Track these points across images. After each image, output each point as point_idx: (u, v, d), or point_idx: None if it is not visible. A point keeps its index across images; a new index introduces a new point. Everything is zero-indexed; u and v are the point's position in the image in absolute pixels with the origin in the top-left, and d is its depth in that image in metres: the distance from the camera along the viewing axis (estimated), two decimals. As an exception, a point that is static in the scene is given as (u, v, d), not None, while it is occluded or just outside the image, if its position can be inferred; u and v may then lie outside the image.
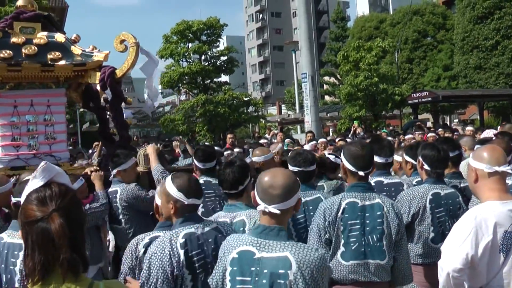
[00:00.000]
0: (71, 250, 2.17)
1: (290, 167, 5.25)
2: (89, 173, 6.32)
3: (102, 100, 7.83)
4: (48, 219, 2.17)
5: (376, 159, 5.43)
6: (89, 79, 7.22)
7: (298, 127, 43.64)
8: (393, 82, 35.09)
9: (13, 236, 3.99)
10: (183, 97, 55.25)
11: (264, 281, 2.94)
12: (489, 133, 9.38)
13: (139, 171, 6.63)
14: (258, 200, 3.10)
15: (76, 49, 7.14)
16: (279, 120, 44.04)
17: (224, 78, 46.33)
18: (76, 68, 7.04)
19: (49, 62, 6.81)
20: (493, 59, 40.51)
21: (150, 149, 6.63)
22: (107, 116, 8.06)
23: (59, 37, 7.17)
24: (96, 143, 19.35)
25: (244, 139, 31.62)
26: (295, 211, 3.23)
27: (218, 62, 38.92)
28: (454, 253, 3.31)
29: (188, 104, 35.67)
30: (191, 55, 37.77)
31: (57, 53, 6.85)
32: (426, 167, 5.07)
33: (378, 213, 4.26)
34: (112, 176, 6.37)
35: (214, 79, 39.31)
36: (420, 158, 5.15)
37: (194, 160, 6.47)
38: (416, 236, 4.96)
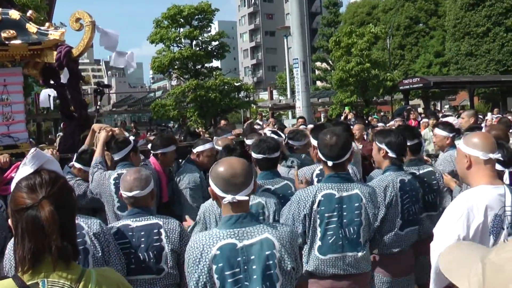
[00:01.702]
0: (62, 238, 2.16)
1: (254, 155, 5.16)
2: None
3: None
4: (38, 207, 2.15)
5: None
6: (46, 58, 7.06)
7: (290, 113, 43.64)
8: (384, 68, 35.12)
9: None
10: (174, 82, 55.08)
11: (254, 267, 2.99)
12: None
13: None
14: (221, 193, 3.05)
15: (31, 27, 6.94)
16: (270, 105, 43.99)
17: (215, 63, 46.11)
18: (32, 47, 6.86)
19: (4, 41, 6.62)
20: (484, 46, 40.68)
21: (101, 138, 6.12)
22: (66, 93, 7.88)
23: (13, 14, 6.94)
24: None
25: (235, 125, 31.58)
26: (252, 193, 3.22)
27: (209, 47, 38.64)
28: (446, 235, 3.37)
29: (179, 89, 35.45)
30: (182, 40, 37.48)
31: (12, 31, 6.64)
32: (391, 154, 4.95)
33: (356, 204, 4.23)
34: (71, 166, 6.15)
35: (205, 64, 39.07)
36: (383, 146, 5.02)
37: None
38: (386, 225, 4.84)
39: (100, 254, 3.69)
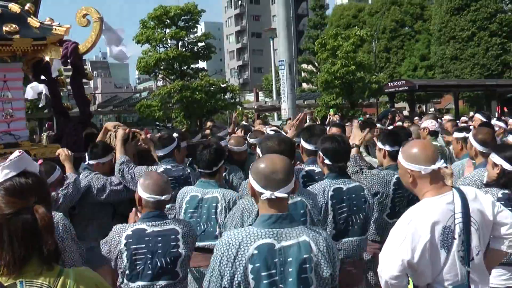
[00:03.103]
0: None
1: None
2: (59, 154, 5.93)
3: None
4: (29, 211, 2.11)
5: (307, 146, 5.35)
6: (49, 54, 6.93)
7: (275, 114, 43.66)
8: (370, 71, 35.22)
9: None
10: (160, 83, 54.95)
11: (290, 269, 2.91)
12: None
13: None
14: (260, 189, 2.99)
15: (33, 21, 6.77)
16: (256, 107, 44.00)
17: (201, 64, 46.06)
18: (36, 43, 6.68)
19: (6, 35, 6.41)
20: (469, 50, 41.09)
21: (118, 136, 6.09)
22: (59, 89, 7.79)
23: (13, 7, 6.73)
24: (49, 130, 18.83)
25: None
26: (293, 194, 3.20)
27: (196, 48, 38.59)
28: (389, 260, 3.29)
29: (165, 90, 35.31)
30: (168, 40, 37.35)
31: (14, 26, 6.41)
32: (327, 161, 4.74)
33: (301, 211, 4.19)
34: (86, 164, 6.01)
35: (191, 65, 38.98)
36: (320, 152, 4.83)
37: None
38: None
39: None
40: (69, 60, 6.70)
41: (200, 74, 38.47)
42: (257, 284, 2.89)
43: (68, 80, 8.36)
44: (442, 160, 3.37)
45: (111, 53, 7.98)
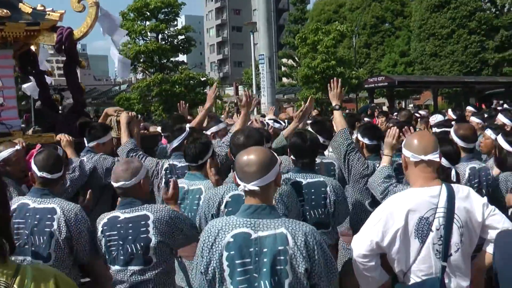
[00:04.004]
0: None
1: None
2: (60, 139, 5.87)
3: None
4: None
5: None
6: (43, 40, 6.74)
7: (255, 108, 43.53)
8: (350, 66, 35.32)
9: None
10: (139, 76, 54.69)
11: (265, 259, 2.93)
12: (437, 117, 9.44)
13: (113, 137, 6.23)
14: (238, 180, 3.08)
15: (25, 7, 6.57)
16: (235, 101, 43.88)
17: (181, 57, 45.91)
18: (29, 28, 6.42)
19: None
20: (448, 47, 41.45)
21: (122, 120, 6.01)
22: (46, 80, 7.57)
23: None
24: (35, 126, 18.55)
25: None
26: (277, 186, 3.22)
27: (175, 41, 38.46)
28: (360, 239, 3.42)
29: (144, 83, 35.19)
30: (148, 33, 37.23)
31: (5, 10, 6.20)
32: (292, 156, 4.83)
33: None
34: (88, 147, 5.93)
35: (171, 59, 38.84)
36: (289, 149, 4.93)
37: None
38: None
39: (63, 239, 3.98)
40: (63, 47, 6.51)
41: (180, 67, 38.36)
42: (231, 271, 2.95)
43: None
44: (437, 154, 3.44)
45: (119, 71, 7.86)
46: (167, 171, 5.52)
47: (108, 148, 5.93)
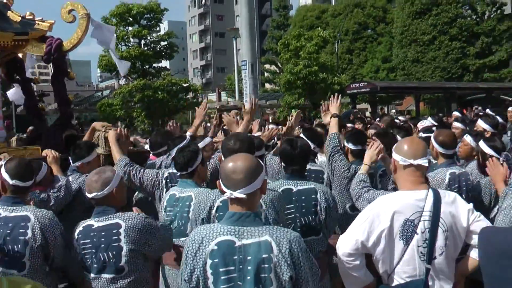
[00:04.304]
0: None
1: None
2: (47, 155, 5.76)
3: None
4: None
5: None
6: (31, 50, 6.61)
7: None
8: (332, 72, 35.40)
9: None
10: (122, 82, 54.51)
11: (249, 267, 2.92)
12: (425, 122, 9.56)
13: (99, 153, 6.12)
14: (223, 188, 3.06)
15: (14, 15, 6.46)
16: (218, 107, 43.83)
17: (164, 63, 45.74)
18: (18, 38, 6.36)
19: None
20: (430, 53, 41.81)
21: (111, 138, 5.87)
22: (34, 89, 7.48)
23: None
24: (31, 127, 18.33)
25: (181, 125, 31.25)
26: (263, 194, 3.21)
27: (158, 47, 38.33)
28: (346, 238, 3.50)
29: (126, 89, 34.97)
30: (131, 39, 37.02)
31: None
32: (282, 163, 4.90)
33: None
34: (73, 167, 5.82)
35: (154, 64, 38.70)
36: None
37: None
38: None
39: (38, 246, 3.97)
40: (52, 57, 6.43)
41: (163, 73, 38.20)
42: (215, 279, 2.95)
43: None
44: (426, 159, 3.51)
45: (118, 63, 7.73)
46: (168, 180, 5.47)
47: (94, 166, 5.62)
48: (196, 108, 7.26)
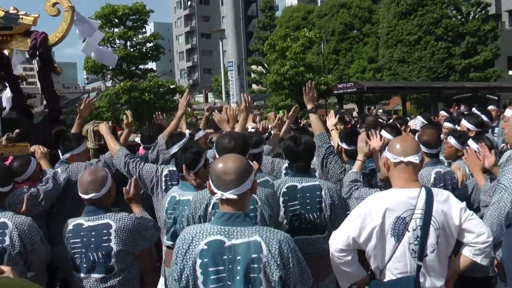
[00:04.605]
0: None
1: None
2: (35, 151, 5.65)
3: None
4: None
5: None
6: (16, 45, 6.52)
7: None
8: (319, 72, 35.47)
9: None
10: (108, 84, 54.34)
11: (238, 267, 2.93)
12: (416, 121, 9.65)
13: (89, 147, 6.06)
14: (214, 189, 3.05)
15: None
16: (205, 108, 43.81)
17: (151, 65, 45.66)
18: (1, 33, 6.28)
19: None
20: (416, 53, 42.00)
21: (104, 130, 5.70)
22: (20, 86, 7.37)
23: None
24: (17, 130, 18.18)
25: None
26: (253, 194, 3.20)
27: (144, 48, 38.27)
28: (338, 234, 3.53)
29: (113, 90, 34.87)
30: (116, 40, 36.96)
31: None
32: (287, 160, 4.92)
33: (251, 207, 4.13)
34: (62, 159, 5.71)
35: (140, 66, 38.64)
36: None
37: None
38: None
39: (16, 253, 3.88)
40: (37, 52, 6.33)
41: (149, 75, 38.13)
42: (205, 278, 2.95)
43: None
44: (417, 156, 3.53)
45: (95, 55, 7.60)
46: (167, 178, 5.37)
47: (83, 158, 5.71)
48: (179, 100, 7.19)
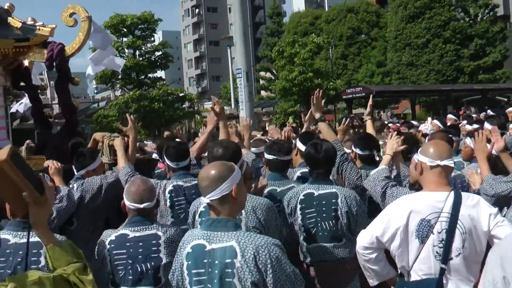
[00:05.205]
0: None
1: (265, 155, 5.29)
2: (49, 166, 5.44)
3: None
4: None
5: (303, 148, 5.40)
6: (33, 56, 6.42)
7: (234, 122, 43.51)
8: (327, 78, 35.44)
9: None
10: (118, 93, 54.53)
11: (216, 271, 3.03)
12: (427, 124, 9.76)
13: (104, 162, 5.92)
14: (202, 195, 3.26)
15: (15, 21, 6.28)
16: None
17: (159, 73, 45.79)
18: (18, 44, 6.17)
19: None
20: (424, 57, 41.86)
21: (118, 146, 5.55)
22: (40, 96, 7.30)
23: None
24: (28, 141, 18.19)
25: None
26: (234, 199, 3.16)
27: (153, 57, 38.39)
28: (364, 233, 3.66)
29: (122, 99, 34.99)
30: (125, 50, 37.12)
31: None
32: (308, 167, 4.93)
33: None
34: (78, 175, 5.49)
35: (149, 75, 38.76)
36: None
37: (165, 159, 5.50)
38: (294, 237, 4.79)
39: None
40: (54, 63, 6.26)
41: (158, 83, 38.21)
42: (190, 280, 3.14)
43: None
44: (452, 161, 3.62)
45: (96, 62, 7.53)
46: (172, 194, 5.13)
47: (99, 173, 5.52)
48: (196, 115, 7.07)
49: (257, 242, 3.03)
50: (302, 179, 5.44)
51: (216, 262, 3.03)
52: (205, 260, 3.07)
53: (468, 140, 6.17)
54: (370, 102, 6.95)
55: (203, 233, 3.14)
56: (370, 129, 6.21)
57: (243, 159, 4.56)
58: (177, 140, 6.76)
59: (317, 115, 5.77)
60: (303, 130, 7.41)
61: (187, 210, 4.88)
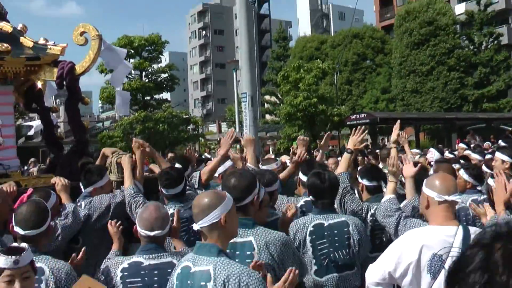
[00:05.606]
0: None
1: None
2: (55, 183, 5.39)
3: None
4: None
5: (304, 179, 5.49)
6: (44, 75, 6.39)
7: (238, 146, 43.58)
8: (332, 103, 35.51)
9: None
10: (123, 113, 54.60)
11: None
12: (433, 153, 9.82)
13: (112, 180, 5.91)
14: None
15: (27, 41, 6.28)
16: (218, 138, 43.93)
17: (165, 95, 45.99)
18: (29, 63, 6.15)
19: None
20: (428, 84, 41.97)
21: (125, 164, 5.54)
22: (51, 118, 7.29)
23: (5, 26, 6.30)
24: (32, 159, 18.21)
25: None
26: (223, 227, 3.21)
27: (159, 79, 38.59)
28: (375, 267, 3.64)
29: (127, 120, 35.11)
30: (132, 71, 37.33)
31: (5, 45, 5.87)
32: (311, 197, 4.87)
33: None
34: (85, 192, 5.49)
35: (155, 96, 38.93)
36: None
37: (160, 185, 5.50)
38: (302, 269, 4.54)
39: None
40: (64, 82, 6.24)
41: (163, 105, 38.34)
42: None
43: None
44: (458, 195, 3.63)
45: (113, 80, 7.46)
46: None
47: (107, 191, 5.54)
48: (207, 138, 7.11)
49: (230, 269, 3.07)
50: (306, 208, 5.45)
51: (195, 284, 3.14)
52: (189, 281, 3.18)
53: (461, 172, 6.15)
54: (396, 128, 6.57)
55: (191, 255, 3.29)
56: (342, 163, 5.76)
57: (260, 187, 4.21)
58: (176, 165, 6.74)
59: (348, 146, 5.95)
60: (318, 157, 7.48)
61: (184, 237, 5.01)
